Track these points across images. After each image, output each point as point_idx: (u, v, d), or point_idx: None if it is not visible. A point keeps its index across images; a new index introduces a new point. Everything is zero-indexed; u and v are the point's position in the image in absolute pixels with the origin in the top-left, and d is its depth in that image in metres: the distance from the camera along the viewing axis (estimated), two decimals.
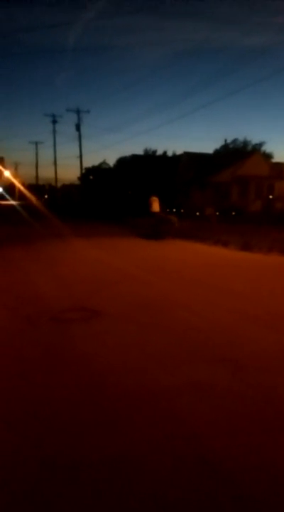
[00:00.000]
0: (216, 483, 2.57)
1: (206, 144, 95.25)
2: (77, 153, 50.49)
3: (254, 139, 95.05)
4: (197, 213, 36.47)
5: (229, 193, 42.12)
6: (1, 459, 2.81)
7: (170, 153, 56.32)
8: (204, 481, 2.59)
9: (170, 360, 4.53)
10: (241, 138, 61.77)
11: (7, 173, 65.59)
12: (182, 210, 40.59)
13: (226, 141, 61.19)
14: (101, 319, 6.03)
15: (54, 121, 55.55)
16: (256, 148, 58.29)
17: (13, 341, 5.17)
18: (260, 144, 61.12)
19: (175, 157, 53.02)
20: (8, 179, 72.28)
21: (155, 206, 20.18)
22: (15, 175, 78.81)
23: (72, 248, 15.13)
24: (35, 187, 75.40)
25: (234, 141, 61.51)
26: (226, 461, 2.78)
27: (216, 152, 58.49)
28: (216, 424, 3.24)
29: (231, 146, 60.93)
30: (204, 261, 12.10)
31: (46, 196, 74.27)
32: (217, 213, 33.69)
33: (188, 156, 47.98)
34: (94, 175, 58.77)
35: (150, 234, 18.60)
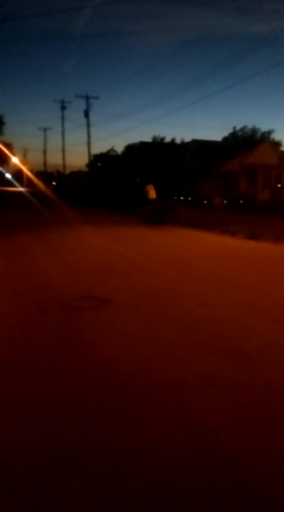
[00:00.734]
0: (222, 475, 2.59)
1: (215, 132, 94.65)
2: (86, 139, 50.28)
3: (263, 126, 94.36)
4: (205, 202, 36.33)
5: (237, 182, 41.88)
6: (9, 447, 2.85)
7: (178, 141, 55.96)
8: (210, 472, 2.61)
9: (178, 350, 4.55)
10: (249, 126, 61.28)
11: (15, 160, 65.58)
12: (189, 199, 40.45)
13: (234, 128, 60.77)
14: (109, 308, 6.07)
15: (63, 107, 55.27)
16: (265, 137, 57.85)
17: (23, 328, 5.21)
18: (269, 132, 60.72)
19: (183, 145, 52.79)
20: (16, 166, 72.29)
21: (152, 193, 20.43)
22: (24, 161, 78.92)
23: (80, 235, 15.17)
24: (43, 174, 75.43)
25: (243, 128, 61.12)
26: (232, 452, 2.81)
27: (225, 140, 58.09)
28: (223, 416, 3.26)
29: (239, 133, 60.53)
30: (211, 250, 12.08)
31: (54, 183, 74.22)
32: (225, 202, 33.54)
33: (196, 143, 47.67)
34: (103, 162, 58.64)
35: (152, 220, 18.61)
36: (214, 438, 2.97)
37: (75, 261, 9.94)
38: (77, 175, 76.09)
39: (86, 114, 49.51)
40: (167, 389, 3.68)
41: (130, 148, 56.31)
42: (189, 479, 2.55)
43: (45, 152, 77.23)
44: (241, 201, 36.23)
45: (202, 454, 2.78)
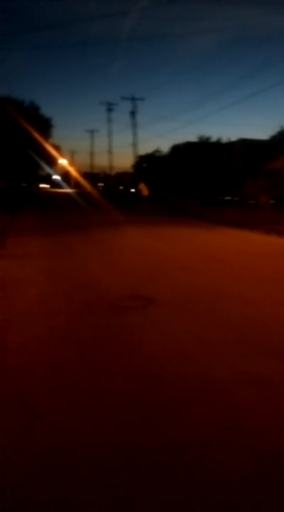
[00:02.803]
0: (272, 476, 2.56)
1: (263, 131, 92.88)
2: (131, 141, 50.64)
3: None
4: (251, 201, 35.74)
5: (283, 181, 40.89)
6: (67, 445, 2.94)
7: (224, 141, 55.29)
8: (260, 473, 2.59)
9: (227, 351, 4.52)
10: None
11: (63, 162, 66.85)
12: (235, 198, 39.94)
13: (282, 127, 59.39)
14: (156, 308, 6.10)
15: (109, 110, 55.91)
16: None
17: (73, 326, 5.32)
18: None
19: (229, 144, 52.07)
20: (64, 167, 73.69)
21: (144, 191, 21.55)
22: (71, 163, 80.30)
23: (126, 235, 15.30)
24: (90, 175, 76.47)
25: None
26: (282, 454, 2.77)
27: (272, 138, 56.90)
28: (273, 417, 3.21)
29: None
30: (257, 250, 11.90)
31: (101, 184, 75.13)
32: (272, 202, 32.87)
33: (242, 143, 46.96)
34: (148, 163, 58.77)
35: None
36: (264, 439, 2.94)
37: (122, 260, 10.05)
38: (122, 176, 76.70)
39: (133, 115, 49.88)
40: (216, 389, 3.67)
41: (175, 149, 56.13)
42: (237, 480, 2.54)
43: (91, 154, 78.88)
44: None
45: (252, 455, 2.76)
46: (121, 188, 59.41)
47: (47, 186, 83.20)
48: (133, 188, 51.28)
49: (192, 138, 63.58)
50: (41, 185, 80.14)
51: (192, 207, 29.84)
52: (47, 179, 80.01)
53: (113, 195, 49.61)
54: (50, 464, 2.65)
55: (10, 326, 5.31)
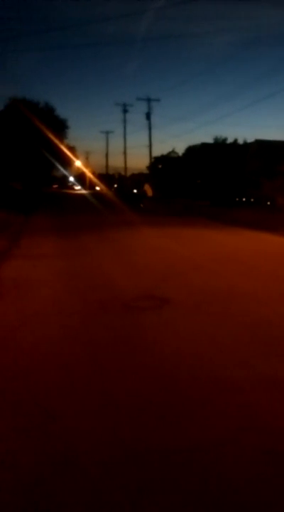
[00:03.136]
0: None
1: (280, 132, 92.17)
2: (147, 142, 50.73)
3: None
4: (268, 203, 35.47)
5: None
6: (79, 445, 2.91)
7: (241, 142, 54.93)
8: (277, 475, 2.53)
9: (242, 352, 4.46)
10: None
11: (78, 163, 67.15)
12: (251, 200, 39.69)
13: None
14: (170, 308, 6.05)
15: (124, 111, 55.93)
16: None
17: (87, 326, 5.31)
18: None
19: (245, 145, 51.73)
20: (79, 168, 74.05)
21: (149, 192, 21.91)
22: (86, 164, 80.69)
23: (140, 236, 15.28)
24: (105, 176, 76.71)
25: None
26: None
27: None
28: None
29: None
30: (273, 251, 11.77)
31: (115, 185, 75.34)
32: None
33: (258, 144, 46.65)
34: (163, 164, 58.70)
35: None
36: (280, 440, 2.88)
37: (136, 260, 10.02)
38: (137, 177, 76.77)
39: (148, 116, 49.80)
40: (230, 390, 3.62)
41: (191, 150, 55.92)
42: (252, 481, 2.48)
43: (107, 155, 78.88)
44: None
45: (268, 457, 2.71)
46: (135, 190, 59.66)
47: (62, 187, 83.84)
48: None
49: (208, 139, 63.48)
50: (55, 186, 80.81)
51: (206, 208, 29.71)
52: (63, 180, 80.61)
53: (126, 195, 49.70)
54: (63, 464, 2.63)
55: (23, 325, 5.31)
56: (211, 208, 29.80)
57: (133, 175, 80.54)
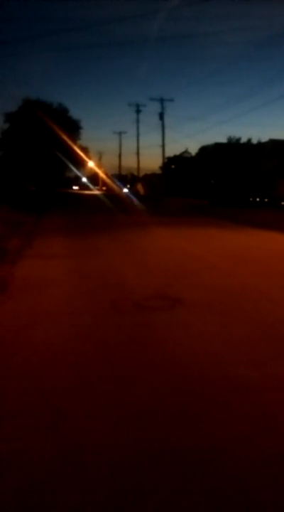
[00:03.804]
0: None
1: None
2: (160, 142, 50.67)
3: None
4: (283, 203, 35.19)
5: None
6: (91, 444, 2.88)
7: (254, 141, 54.55)
8: None
9: (256, 353, 4.39)
10: None
11: (91, 163, 67.29)
12: (265, 200, 39.42)
13: None
14: (183, 308, 6.00)
15: (137, 111, 56.01)
16: None
17: (98, 326, 5.28)
18: None
19: (259, 145, 51.37)
20: (92, 169, 74.26)
21: (141, 191, 21.89)
22: (99, 165, 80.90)
23: (153, 236, 15.24)
24: (118, 176, 76.82)
25: None
26: None
27: None
28: None
29: None
30: None
31: (128, 186, 75.39)
32: None
33: (272, 143, 46.32)
34: (176, 164, 58.59)
35: None
36: None
37: (148, 260, 9.98)
38: (149, 177, 76.74)
39: (161, 116, 49.80)
40: (245, 391, 3.56)
41: (204, 150, 55.71)
42: (266, 484, 2.43)
43: (119, 155, 78.86)
44: None
45: (282, 459, 2.65)
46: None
47: (76, 188, 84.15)
48: (162, 190, 51.18)
49: (221, 139, 63.18)
50: (76, 188, 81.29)
51: (219, 208, 29.54)
52: (76, 181, 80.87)
53: (139, 196, 49.65)
54: (75, 464, 2.60)
55: (35, 324, 5.30)
56: (223, 208, 29.62)
57: (145, 175, 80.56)
